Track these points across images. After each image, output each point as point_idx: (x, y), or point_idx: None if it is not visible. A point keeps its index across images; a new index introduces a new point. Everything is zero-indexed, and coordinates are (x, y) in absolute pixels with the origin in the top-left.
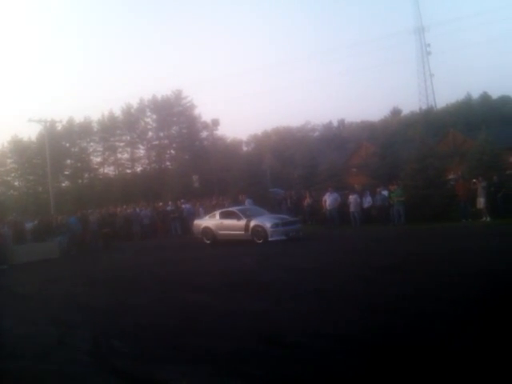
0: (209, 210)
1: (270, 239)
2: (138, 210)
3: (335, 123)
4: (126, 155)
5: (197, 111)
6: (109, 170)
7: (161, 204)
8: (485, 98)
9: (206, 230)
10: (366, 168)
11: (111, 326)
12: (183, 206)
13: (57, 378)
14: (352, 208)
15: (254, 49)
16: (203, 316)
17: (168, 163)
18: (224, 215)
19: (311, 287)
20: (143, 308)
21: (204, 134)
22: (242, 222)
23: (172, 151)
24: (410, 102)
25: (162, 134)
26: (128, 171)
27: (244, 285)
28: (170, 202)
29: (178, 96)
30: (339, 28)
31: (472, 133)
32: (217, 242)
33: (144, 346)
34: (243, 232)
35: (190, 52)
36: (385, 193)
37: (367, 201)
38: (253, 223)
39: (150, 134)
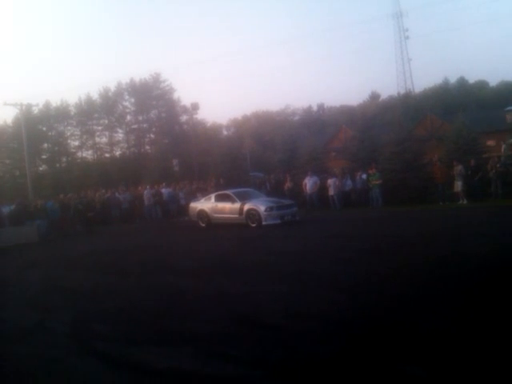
0: (189, 194)
1: (263, 223)
2: (117, 194)
3: (315, 107)
4: (104, 139)
5: (176, 95)
6: (87, 154)
7: (140, 188)
8: (462, 82)
9: (201, 213)
10: (345, 152)
11: (91, 309)
12: (163, 189)
13: (36, 361)
14: (331, 191)
15: (233, 32)
16: (184, 299)
17: (147, 147)
18: (219, 198)
19: (293, 269)
20: (124, 291)
21: (183, 117)
22: (237, 205)
23: (151, 135)
24: (389, 87)
25: (140, 118)
26: (107, 155)
27: (226, 267)
28: (148, 186)
29: (156, 79)
30: (319, 12)
31: (449, 117)
32: (212, 225)
33: (124, 329)
34: (237, 215)
35: (169, 35)
36: (364, 176)
37: (347, 184)
38: (247, 206)
39: (129, 117)
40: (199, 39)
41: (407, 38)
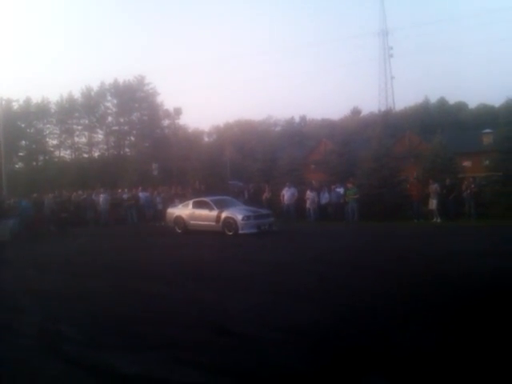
0: (167, 199)
1: (240, 232)
2: (93, 195)
3: (297, 119)
4: (83, 139)
5: (159, 99)
6: (65, 154)
7: (120, 191)
8: (442, 102)
9: (178, 219)
10: (324, 165)
11: (61, 311)
12: (140, 193)
13: (1, 364)
14: (308, 204)
15: (219, 40)
16: (155, 305)
17: (127, 150)
18: (197, 205)
19: (265, 280)
20: (94, 295)
21: (166, 122)
22: (214, 213)
23: (132, 138)
24: (370, 103)
25: (122, 120)
26: (85, 155)
27: (199, 275)
28: (126, 189)
29: (140, 82)
30: (306, 25)
31: (428, 136)
32: (188, 232)
33: (94, 333)
34: (214, 223)
35: (155, 38)
36: (340, 190)
37: (325, 197)
38: (224, 214)
39: (110, 118)
40: (186, 44)
41: (391, 56)
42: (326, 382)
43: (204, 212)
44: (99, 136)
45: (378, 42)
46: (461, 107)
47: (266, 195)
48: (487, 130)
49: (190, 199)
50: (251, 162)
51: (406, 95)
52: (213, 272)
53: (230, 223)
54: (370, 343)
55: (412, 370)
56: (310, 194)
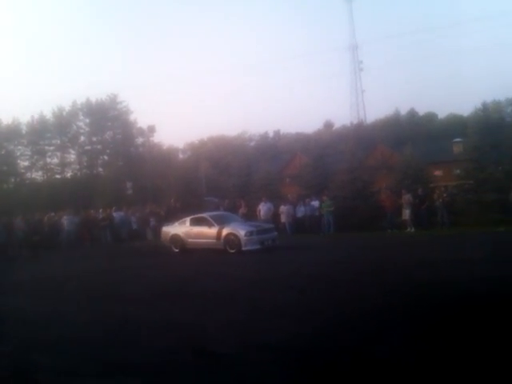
0: (142, 218)
1: (243, 248)
2: (65, 217)
3: (271, 134)
4: (55, 160)
5: (132, 117)
6: (37, 175)
7: (93, 211)
8: (412, 114)
9: (175, 238)
10: (299, 178)
11: (32, 338)
12: (115, 213)
13: None
14: (283, 218)
15: (191, 57)
16: (131, 328)
17: (100, 169)
18: (195, 222)
19: (245, 297)
20: (67, 319)
21: (139, 140)
22: (214, 230)
23: (105, 157)
24: (342, 116)
25: (94, 139)
26: (57, 176)
27: (176, 295)
28: (100, 210)
29: (113, 100)
30: (277, 41)
31: (399, 147)
32: (187, 251)
33: (67, 360)
34: (215, 240)
35: (127, 56)
36: (315, 203)
37: (300, 210)
38: (225, 231)
39: (83, 138)
40: (158, 62)
41: (361, 69)
42: None
43: (203, 229)
44: (71, 156)
45: (348, 56)
46: (431, 118)
47: (242, 210)
48: (457, 140)
49: (165, 217)
50: (227, 177)
51: (377, 108)
52: (189, 291)
53: (232, 240)
54: (349, 358)
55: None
56: (283, 208)
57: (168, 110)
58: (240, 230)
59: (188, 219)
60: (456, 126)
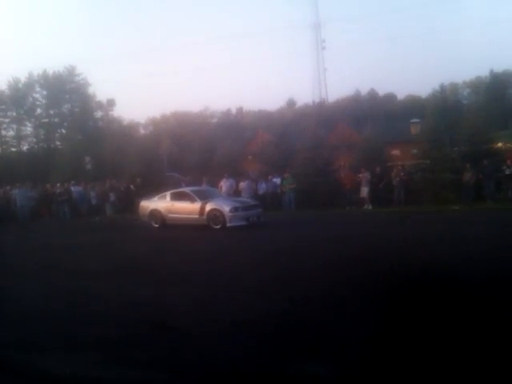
0: (101, 194)
1: (228, 224)
2: (17, 191)
3: (234, 111)
4: (11, 132)
5: (91, 89)
6: None
7: (49, 186)
8: (372, 94)
9: (154, 213)
10: (261, 156)
11: None
12: (73, 188)
13: None
14: (244, 194)
15: (154, 30)
16: (91, 303)
17: (58, 143)
18: (176, 196)
19: (206, 271)
20: (26, 295)
21: (98, 114)
22: (197, 205)
23: (63, 130)
24: (305, 94)
25: (52, 112)
26: (13, 150)
27: (138, 270)
28: (58, 184)
29: (71, 72)
30: (241, 16)
31: (359, 127)
32: (167, 227)
33: (25, 335)
34: (197, 216)
35: (86, 27)
36: (276, 180)
37: (262, 187)
38: (209, 206)
39: (39, 110)
40: (119, 33)
41: (324, 48)
42: (264, 374)
43: (185, 204)
44: (28, 129)
45: (311, 34)
46: (390, 98)
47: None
48: (415, 120)
49: (125, 193)
50: (189, 154)
51: (339, 87)
52: (151, 266)
53: (216, 216)
54: (309, 334)
55: (349, 358)
56: (243, 184)
57: (129, 84)
58: (224, 206)
59: (168, 194)
60: (414, 107)
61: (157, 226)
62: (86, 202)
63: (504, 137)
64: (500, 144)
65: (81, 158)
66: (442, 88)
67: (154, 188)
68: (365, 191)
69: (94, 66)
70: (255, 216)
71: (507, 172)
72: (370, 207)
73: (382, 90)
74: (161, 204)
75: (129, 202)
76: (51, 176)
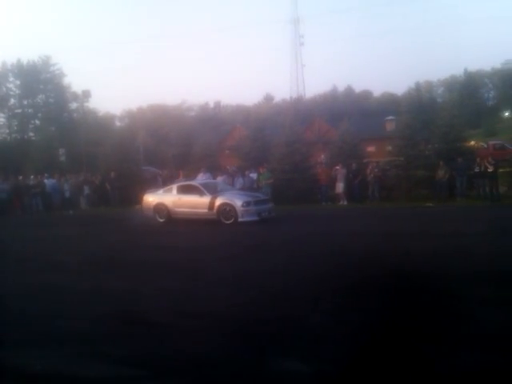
0: (75, 187)
1: (240, 219)
2: None
3: (211, 105)
4: None
5: (66, 80)
6: None
7: (21, 178)
8: (348, 91)
9: (160, 207)
10: (238, 150)
11: None
12: (46, 180)
13: None
14: None
15: (132, 21)
16: (65, 297)
17: (31, 134)
18: (183, 190)
19: (182, 266)
20: None
21: (73, 105)
22: (206, 199)
23: (37, 121)
24: (282, 90)
25: (26, 102)
26: None
27: (113, 264)
28: (31, 176)
29: (46, 62)
30: (221, 10)
31: (336, 123)
32: (173, 221)
33: None
34: (207, 210)
35: (61, 16)
36: (253, 175)
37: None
38: (219, 200)
39: (13, 101)
40: (95, 24)
41: (302, 44)
42: (238, 367)
43: (193, 198)
44: (0, 119)
45: (290, 29)
46: (366, 95)
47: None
48: (390, 117)
49: (100, 186)
50: (165, 147)
51: (316, 83)
52: (128, 259)
53: (226, 210)
54: (284, 327)
55: (324, 352)
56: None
57: (105, 76)
58: (236, 200)
59: (175, 187)
60: (390, 104)
61: (162, 220)
62: (59, 194)
63: (476, 135)
64: (473, 142)
65: (55, 150)
66: (417, 86)
67: (129, 182)
68: (340, 187)
69: (70, 56)
70: (266, 211)
71: (477, 170)
72: (346, 203)
73: (358, 86)
74: (166, 198)
75: (103, 196)
76: (24, 168)
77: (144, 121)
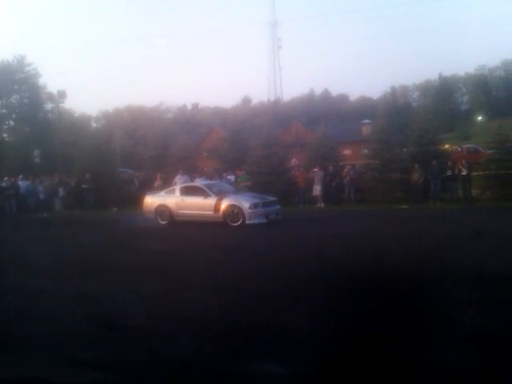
0: (50, 188)
1: (247, 222)
2: None
3: (189, 106)
4: None
5: (42, 80)
6: None
7: None
8: (325, 94)
9: (162, 209)
10: (216, 152)
11: None
12: (20, 182)
13: None
14: None
15: (109, 21)
16: (39, 301)
17: (5, 135)
18: (187, 191)
19: (159, 269)
20: None
21: (49, 105)
22: (212, 201)
23: (11, 122)
24: (260, 92)
25: (0, 103)
26: None
27: (89, 268)
28: (5, 178)
29: (20, 62)
30: (199, 13)
31: (313, 126)
32: (176, 224)
33: None
34: (212, 212)
35: (37, 16)
36: (231, 177)
37: None
38: (226, 202)
39: None
40: (72, 24)
41: (280, 47)
42: (214, 371)
43: (198, 199)
44: None
45: (268, 32)
46: (343, 99)
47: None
48: (366, 121)
49: (75, 187)
50: (142, 149)
51: (294, 86)
52: (105, 263)
53: (234, 212)
54: (259, 329)
55: (302, 354)
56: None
57: (81, 76)
58: (244, 202)
59: (178, 188)
60: (366, 108)
61: (164, 223)
62: (33, 196)
63: (451, 139)
64: (447, 146)
65: (29, 151)
66: (393, 90)
67: (105, 184)
68: (318, 190)
69: (46, 56)
70: (274, 213)
71: (449, 173)
72: (323, 205)
73: (335, 90)
74: (169, 199)
75: (78, 198)
76: None
77: (121, 122)
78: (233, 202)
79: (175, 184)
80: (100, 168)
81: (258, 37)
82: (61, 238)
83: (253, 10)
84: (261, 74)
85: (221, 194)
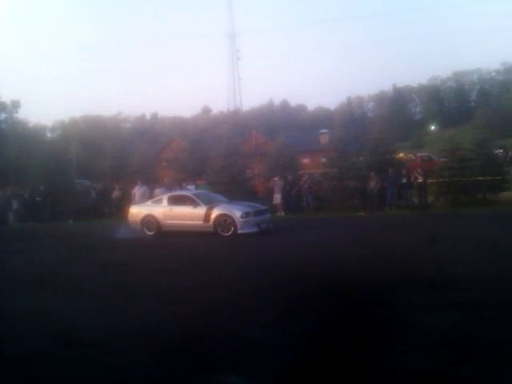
0: (3, 201)
1: (239, 231)
2: None
3: (148, 116)
4: None
5: None
6: None
7: None
8: (284, 104)
9: (148, 219)
10: (176, 162)
11: None
12: None
13: None
14: None
15: (65, 29)
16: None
17: None
18: (174, 201)
19: (116, 283)
20: None
21: (2, 115)
22: (201, 210)
23: None
24: (220, 102)
25: None
26: None
27: (46, 282)
28: None
29: None
30: (158, 23)
31: (272, 135)
32: (162, 234)
33: None
34: (201, 222)
35: None
36: (191, 187)
37: None
38: (216, 212)
39: None
40: (25, 32)
41: (239, 58)
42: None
43: (186, 209)
44: None
45: (227, 43)
46: (301, 109)
47: (115, 194)
48: (324, 131)
49: (29, 200)
50: (100, 159)
51: (253, 96)
52: (64, 277)
53: (225, 222)
54: (220, 341)
55: (261, 364)
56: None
57: (36, 86)
58: (235, 211)
59: (165, 197)
60: (323, 118)
61: (151, 233)
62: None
63: (405, 147)
64: (402, 154)
65: None
66: (349, 101)
67: (60, 195)
68: (278, 198)
69: None
70: (265, 222)
71: (404, 181)
72: (283, 214)
73: (293, 100)
74: (156, 209)
75: (32, 210)
76: None
77: (77, 132)
78: (224, 212)
79: (134, 195)
80: (55, 179)
81: (218, 48)
82: (15, 252)
83: (212, 21)
84: (220, 85)
85: (210, 204)
